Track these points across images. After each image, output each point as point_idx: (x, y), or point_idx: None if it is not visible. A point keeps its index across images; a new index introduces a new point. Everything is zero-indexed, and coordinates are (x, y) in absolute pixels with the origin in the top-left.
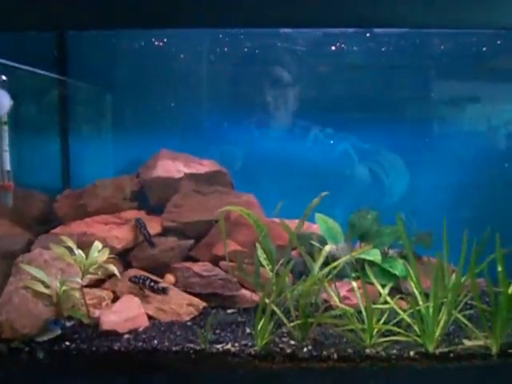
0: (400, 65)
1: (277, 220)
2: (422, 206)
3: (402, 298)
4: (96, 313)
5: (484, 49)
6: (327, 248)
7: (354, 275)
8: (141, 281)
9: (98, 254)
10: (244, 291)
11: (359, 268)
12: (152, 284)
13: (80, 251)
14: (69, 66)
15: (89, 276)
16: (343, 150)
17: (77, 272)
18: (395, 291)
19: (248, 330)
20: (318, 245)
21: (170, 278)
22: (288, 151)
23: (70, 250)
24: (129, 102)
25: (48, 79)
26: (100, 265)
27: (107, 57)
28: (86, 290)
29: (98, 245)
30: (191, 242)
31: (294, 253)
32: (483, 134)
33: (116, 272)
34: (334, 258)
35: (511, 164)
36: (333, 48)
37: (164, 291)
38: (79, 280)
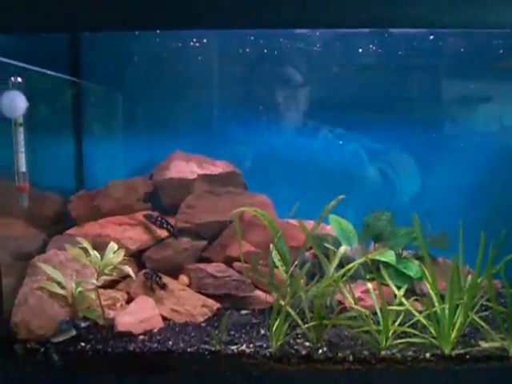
0: (411, 65)
1: (291, 221)
2: (436, 207)
3: (416, 300)
4: (110, 314)
5: (497, 49)
6: (342, 249)
7: (368, 276)
8: (154, 277)
9: (114, 255)
10: (258, 292)
11: (374, 269)
12: (157, 279)
13: (95, 252)
14: (82, 67)
15: (103, 277)
16: (354, 151)
17: (92, 273)
18: (410, 293)
19: (262, 332)
20: (331, 247)
21: (183, 278)
22: (300, 152)
23: (85, 251)
24: (142, 103)
25: (62, 81)
26: (115, 266)
27: (121, 58)
28: (101, 290)
29: (113, 246)
30: (205, 242)
31: (307, 254)
32: (496, 134)
33: (131, 273)
34: (348, 260)
35: None
36: (343, 48)
37: (163, 287)
38: (94, 281)
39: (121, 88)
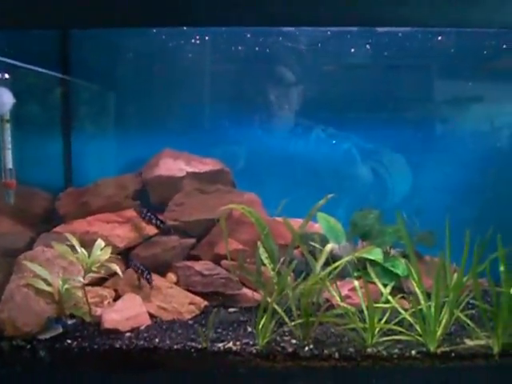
0: (398, 65)
1: (279, 219)
2: (426, 205)
3: (403, 298)
4: (98, 311)
5: (486, 48)
6: (328, 247)
7: (356, 274)
8: (139, 271)
9: (101, 252)
10: (246, 290)
11: (361, 267)
12: (148, 277)
13: (83, 249)
14: (71, 64)
15: (91, 274)
16: (345, 150)
17: (79, 270)
18: (397, 290)
19: (249, 329)
20: (317, 245)
21: (171, 276)
22: (291, 150)
23: (73, 248)
24: (131, 100)
25: (50, 78)
26: (102, 263)
27: (110, 55)
28: (88, 288)
29: (100, 243)
30: (193, 240)
31: (295, 252)
32: (484, 134)
33: (118, 271)
34: (336, 258)
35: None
36: (335, 47)
37: (149, 281)
38: (81, 279)
39: (110, 85)
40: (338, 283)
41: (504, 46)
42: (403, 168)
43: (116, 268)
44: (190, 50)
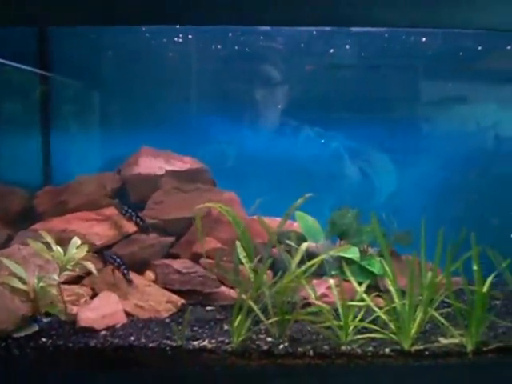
0: (383, 64)
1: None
2: (405, 205)
3: (379, 296)
4: (74, 309)
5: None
6: (304, 246)
7: (334, 273)
8: (116, 263)
9: (76, 250)
10: (224, 288)
11: (340, 266)
12: (125, 272)
13: (58, 247)
14: (50, 61)
15: (66, 273)
16: (329, 149)
17: (55, 268)
18: (374, 289)
19: (226, 327)
20: (293, 244)
21: (149, 274)
22: (275, 150)
23: (49, 246)
24: (112, 98)
25: (29, 74)
26: (78, 261)
27: (90, 53)
28: (65, 286)
29: (76, 241)
30: (172, 239)
31: (275, 250)
32: (464, 135)
33: (93, 269)
34: (315, 256)
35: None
36: (318, 47)
37: (130, 282)
38: (56, 277)
39: (90, 83)
40: (316, 281)
41: (479, 48)
42: (383, 167)
43: (91, 266)
44: (170, 48)
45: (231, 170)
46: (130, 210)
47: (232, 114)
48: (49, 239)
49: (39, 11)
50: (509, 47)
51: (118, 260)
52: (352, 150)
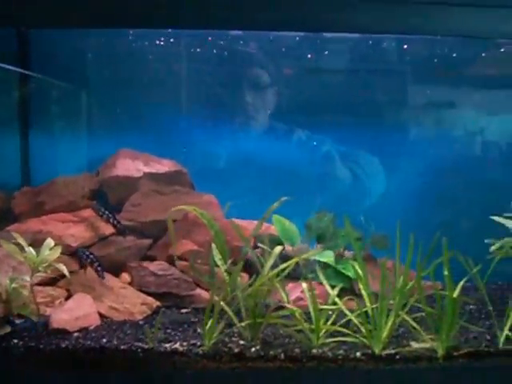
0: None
1: (237, 221)
2: (387, 209)
3: (352, 299)
4: (48, 311)
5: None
6: (277, 249)
7: (310, 276)
8: (89, 260)
9: (50, 252)
10: (200, 291)
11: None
12: (99, 269)
13: (31, 249)
14: (30, 61)
15: (39, 274)
16: (313, 152)
17: (28, 270)
18: (350, 293)
19: (199, 330)
20: (265, 247)
21: (125, 276)
22: (258, 152)
23: (22, 247)
24: (92, 99)
25: (8, 74)
26: (50, 263)
27: (70, 53)
28: (40, 288)
29: (49, 242)
30: (149, 241)
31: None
32: (441, 140)
33: (65, 271)
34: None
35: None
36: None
37: (103, 279)
38: (27, 278)
39: (70, 83)
40: (292, 285)
41: (454, 55)
42: (363, 172)
43: (63, 268)
44: (151, 50)
45: (211, 172)
46: (106, 212)
47: (216, 117)
48: (21, 241)
49: (19, 12)
50: (483, 54)
51: (91, 256)
52: (330, 154)
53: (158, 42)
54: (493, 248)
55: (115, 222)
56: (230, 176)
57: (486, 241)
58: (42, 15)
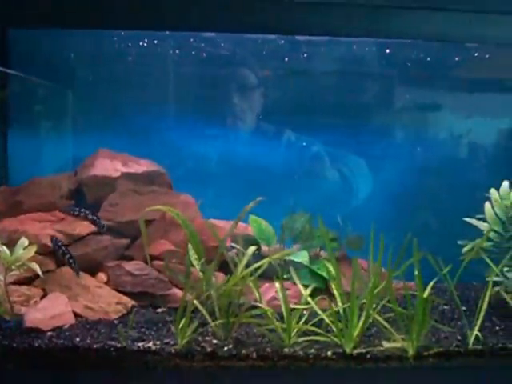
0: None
1: (213, 221)
2: (366, 211)
3: (325, 299)
4: (23, 310)
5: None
6: (250, 250)
7: (286, 276)
8: (61, 251)
9: (24, 251)
10: (176, 290)
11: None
12: (71, 261)
13: (4, 247)
14: (9, 60)
15: (13, 273)
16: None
17: (2, 269)
18: (326, 292)
19: (173, 329)
20: (238, 247)
21: (101, 276)
22: (236, 154)
23: None
24: (71, 100)
25: None
26: (24, 262)
27: (49, 53)
28: (15, 287)
29: (23, 241)
30: (126, 241)
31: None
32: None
33: (38, 270)
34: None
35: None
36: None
37: (77, 271)
38: (1, 277)
39: (50, 83)
40: (268, 285)
41: (428, 59)
42: (339, 174)
43: (36, 267)
44: (130, 52)
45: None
46: (83, 210)
47: (198, 118)
48: None
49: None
50: (457, 58)
51: (63, 248)
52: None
53: (140, 43)
54: (464, 249)
55: (94, 218)
56: (209, 177)
57: (459, 242)
58: (22, 14)
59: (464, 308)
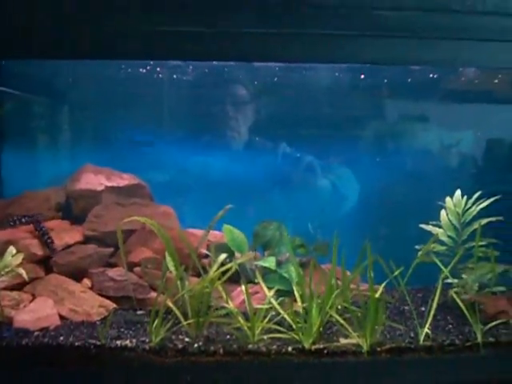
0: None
1: (191, 230)
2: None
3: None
4: (12, 313)
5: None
6: (221, 257)
7: (256, 280)
8: (41, 232)
9: (12, 258)
10: (155, 294)
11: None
12: (49, 241)
13: None
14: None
15: (3, 279)
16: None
17: None
18: (293, 294)
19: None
20: (210, 254)
21: (86, 282)
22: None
23: None
24: (62, 116)
25: None
26: (12, 268)
27: (42, 71)
28: (6, 292)
29: (11, 250)
30: (110, 250)
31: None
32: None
33: (24, 275)
34: (240, 265)
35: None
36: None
37: (53, 251)
38: None
39: (43, 100)
40: (240, 289)
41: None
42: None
43: (22, 272)
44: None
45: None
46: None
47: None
48: None
49: None
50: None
51: (44, 229)
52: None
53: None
54: (419, 253)
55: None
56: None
57: (416, 247)
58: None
59: (423, 309)
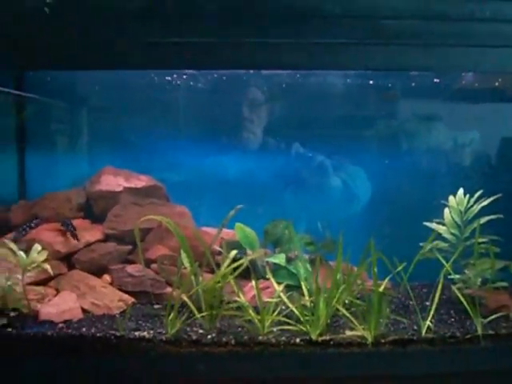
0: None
1: (206, 229)
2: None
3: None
4: (38, 306)
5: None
6: (231, 254)
7: (267, 276)
8: (65, 225)
9: (37, 255)
10: (171, 289)
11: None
12: (74, 232)
13: (21, 252)
14: (26, 80)
15: (30, 274)
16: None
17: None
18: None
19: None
20: (222, 250)
21: (106, 278)
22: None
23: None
24: (85, 120)
25: (5, 95)
26: (38, 264)
27: (66, 75)
28: (32, 287)
29: (37, 247)
30: (129, 247)
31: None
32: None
33: (49, 269)
34: (252, 262)
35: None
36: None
37: (74, 236)
38: (19, 276)
39: (65, 104)
40: (251, 284)
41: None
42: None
43: (48, 267)
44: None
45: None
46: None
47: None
48: (12, 246)
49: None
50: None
51: (69, 223)
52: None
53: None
54: (422, 251)
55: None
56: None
57: (420, 244)
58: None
59: (427, 303)
